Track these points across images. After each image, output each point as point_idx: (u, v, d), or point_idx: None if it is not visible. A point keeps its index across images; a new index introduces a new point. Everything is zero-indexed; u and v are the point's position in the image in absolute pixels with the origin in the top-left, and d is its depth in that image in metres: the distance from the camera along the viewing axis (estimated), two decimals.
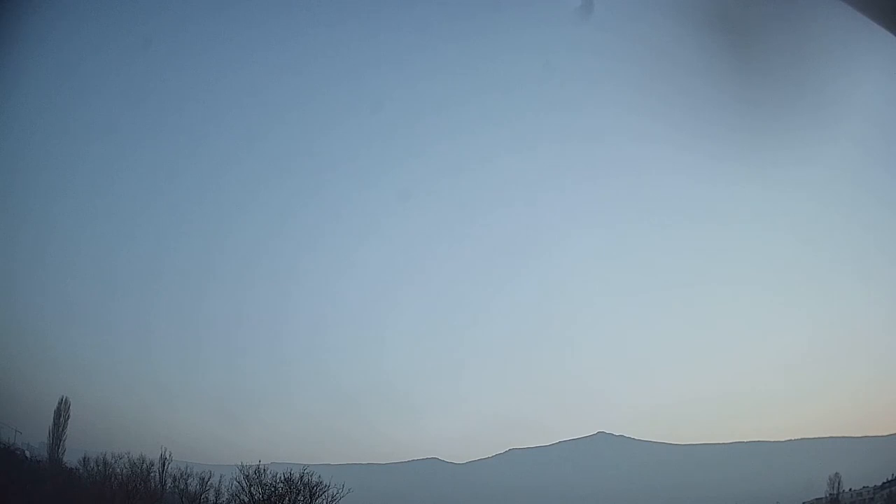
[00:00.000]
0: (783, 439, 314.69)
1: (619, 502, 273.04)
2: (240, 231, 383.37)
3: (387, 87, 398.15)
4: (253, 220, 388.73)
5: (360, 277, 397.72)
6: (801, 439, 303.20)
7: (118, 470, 71.56)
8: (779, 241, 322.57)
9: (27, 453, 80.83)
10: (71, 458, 78.90)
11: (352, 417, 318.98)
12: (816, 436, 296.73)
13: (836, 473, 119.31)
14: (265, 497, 68.63)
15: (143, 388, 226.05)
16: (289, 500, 68.99)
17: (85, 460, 76.96)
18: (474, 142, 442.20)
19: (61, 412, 78.28)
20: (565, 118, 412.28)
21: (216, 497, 74.40)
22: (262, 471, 69.94)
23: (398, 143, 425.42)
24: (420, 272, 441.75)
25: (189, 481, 73.85)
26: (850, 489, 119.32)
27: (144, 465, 71.76)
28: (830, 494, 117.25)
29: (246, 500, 69.20)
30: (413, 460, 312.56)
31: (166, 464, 73.03)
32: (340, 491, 71.15)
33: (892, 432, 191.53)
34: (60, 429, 77.65)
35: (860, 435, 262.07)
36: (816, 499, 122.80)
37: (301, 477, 70.14)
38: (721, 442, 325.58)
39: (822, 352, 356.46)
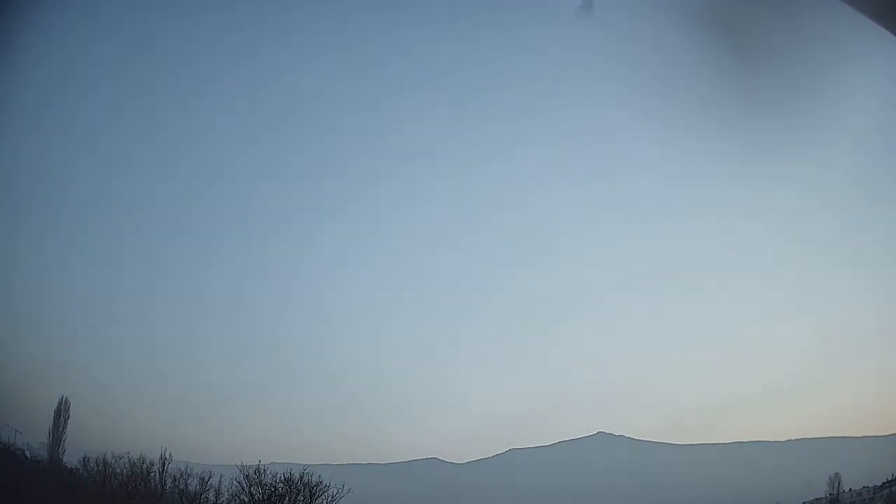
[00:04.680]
0: (783, 439, 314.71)
1: (618, 502, 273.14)
2: (241, 230, 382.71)
3: (386, 87, 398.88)
4: (253, 219, 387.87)
5: (360, 276, 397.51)
6: (801, 439, 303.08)
7: (118, 470, 71.62)
8: (779, 241, 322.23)
9: (27, 453, 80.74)
10: (71, 458, 78.84)
11: (352, 417, 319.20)
12: (816, 436, 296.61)
13: (836, 473, 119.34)
14: (265, 497, 68.73)
15: (144, 387, 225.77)
16: (289, 500, 69.09)
17: (85, 460, 76.90)
18: (474, 141, 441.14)
19: (61, 412, 78.30)
20: (565, 118, 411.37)
21: (216, 497, 74.53)
22: (262, 471, 70.14)
23: (399, 142, 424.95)
24: (420, 271, 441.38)
25: (189, 481, 74.01)
26: (850, 489, 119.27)
27: (144, 465, 71.90)
28: (830, 494, 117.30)
29: (246, 500, 69.30)
30: (413, 460, 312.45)
31: (166, 464, 73.14)
32: (340, 491, 71.31)
33: (892, 432, 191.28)
34: (60, 429, 77.64)
35: (860, 435, 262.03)
36: (816, 499, 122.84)
37: (301, 477, 70.28)
38: (721, 442, 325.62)
39: (822, 352, 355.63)
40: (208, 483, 74.53)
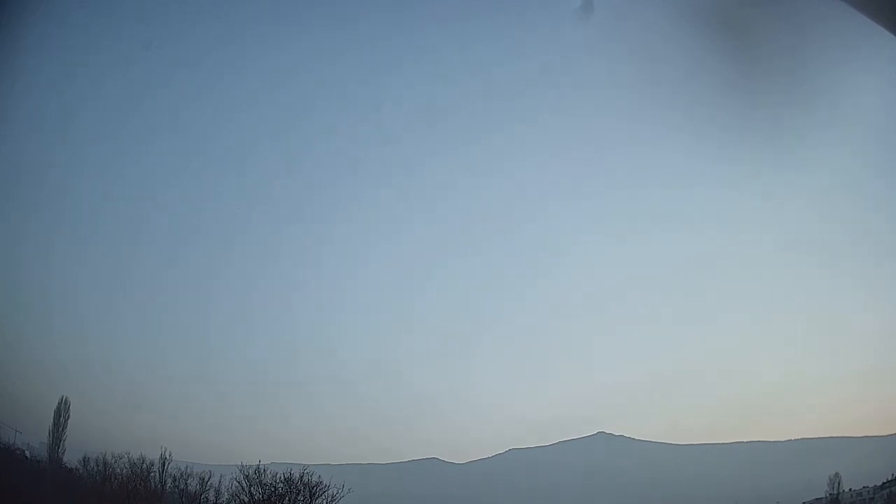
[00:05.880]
0: (783, 439, 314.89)
1: (618, 502, 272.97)
2: (244, 229, 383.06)
3: (400, 90, 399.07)
4: (258, 219, 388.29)
5: (364, 278, 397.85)
6: (801, 439, 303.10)
7: (118, 470, 71.41)
8: (778, 242, 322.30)
9: (27, 453, 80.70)
10: (71, 458, 78.72)
11: (353, 417, 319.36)
12: (816, 436, 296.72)
13: (836, 473, 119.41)
14: (265, 497, 68.67)
15: (144, 387, 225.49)
16: (289, 500, 69.03)
17: (85, 460, 76.83)
18: (478, 146, 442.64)
19: (61, 412, 78.16)
20: (565, 121, 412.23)
21: (216, 497, 74.35)
22: (262, 471, 70.09)
23: (405, 147, 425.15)
24: (422, 274, 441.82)
25: (189, 481, 73.80)
26: (850, 489, 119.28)
27: (144, 465, 71.65)
28: (830, 494, 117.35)
29: (246, 500, 69.23)
30: (413, 460, 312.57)
31: (166, 464, 72.98)
32: (340, 491, 71.23)
33: (892, 432, 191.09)
34: (60, 429, 77.50)
35: (860, 435, 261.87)
36: (816, 499, 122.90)
37: (301, 477, 70.20)
38: (721, 442, 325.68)
39: (822, 352, 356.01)
40: (208, 483, 74.38)
